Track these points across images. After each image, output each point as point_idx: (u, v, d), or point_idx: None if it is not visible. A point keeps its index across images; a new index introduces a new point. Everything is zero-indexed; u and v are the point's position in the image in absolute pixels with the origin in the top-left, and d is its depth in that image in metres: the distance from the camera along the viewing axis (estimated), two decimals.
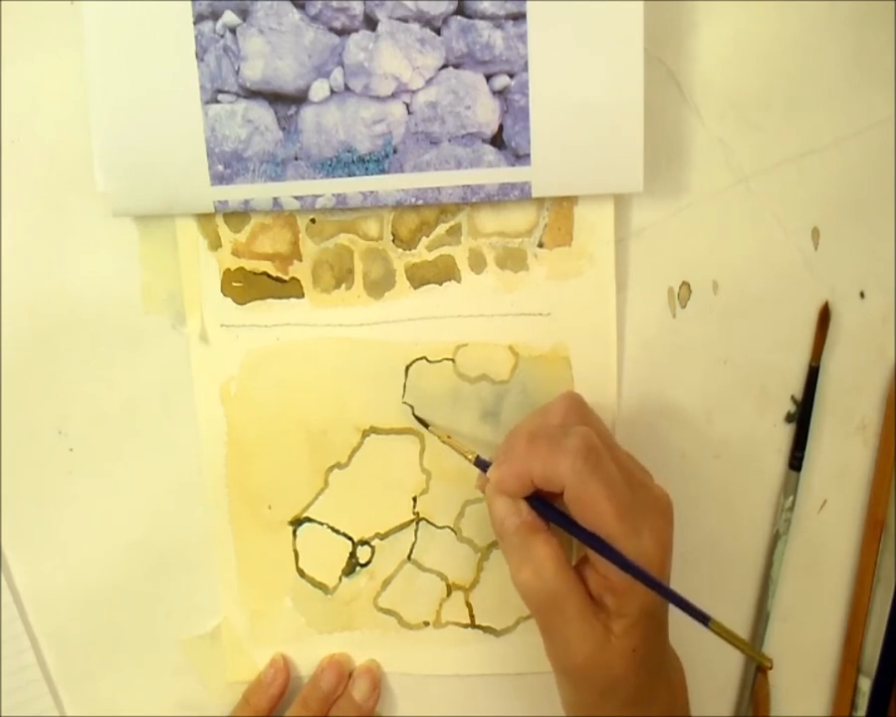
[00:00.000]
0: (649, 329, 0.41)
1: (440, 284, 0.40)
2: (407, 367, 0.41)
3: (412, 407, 0.41)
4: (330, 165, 0.37)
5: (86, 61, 0.37)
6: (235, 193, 0.38)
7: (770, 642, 0.45)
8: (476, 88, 0.37)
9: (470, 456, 0.39)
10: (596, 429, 0.36)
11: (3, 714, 0.44)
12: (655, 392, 0.42)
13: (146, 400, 0.42)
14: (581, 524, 0.34)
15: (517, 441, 0.36)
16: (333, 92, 0.37)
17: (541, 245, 0.40)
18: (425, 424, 0.41)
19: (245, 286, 0.40)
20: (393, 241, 0.40)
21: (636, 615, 0.34)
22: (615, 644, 0.34)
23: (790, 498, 0.43)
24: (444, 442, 0.40)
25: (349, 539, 0.43)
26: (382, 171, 0.38)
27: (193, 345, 0.41)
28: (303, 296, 0.40)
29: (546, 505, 0.36)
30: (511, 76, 0.36)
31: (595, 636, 0.34)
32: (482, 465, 0.38)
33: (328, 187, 0.38)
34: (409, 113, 0.37)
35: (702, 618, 0.32)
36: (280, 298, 0.41)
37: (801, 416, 0.42)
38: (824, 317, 0.41)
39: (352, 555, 0.43)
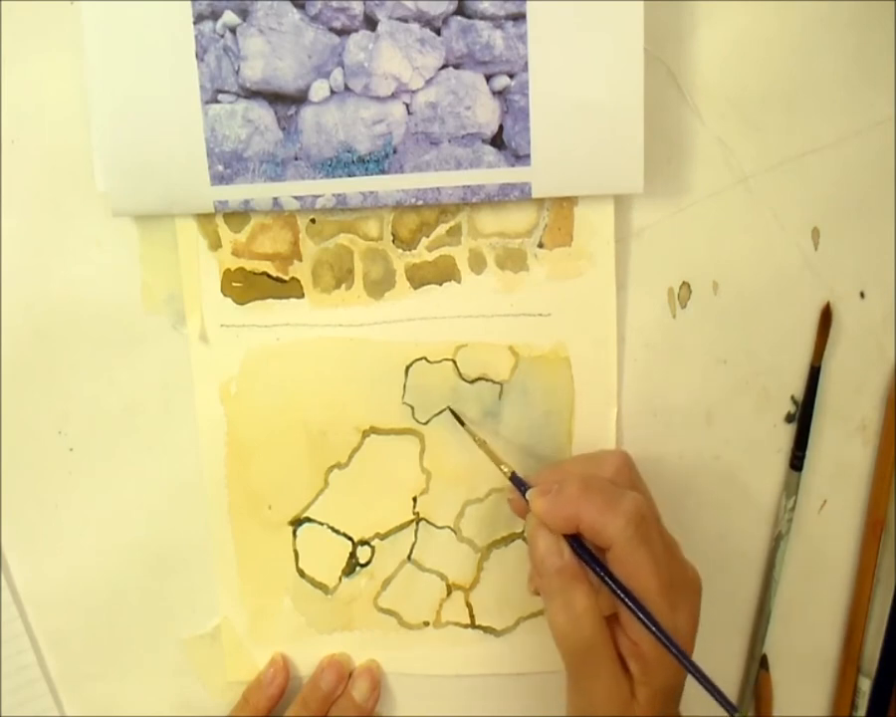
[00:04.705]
0: (649, 329, 0.41)
1: (440, 284, 0.40)
2: (407, 368, 0.41)
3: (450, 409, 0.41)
4: (330, 165, 0.37)
5: (86, 61, 0.37)
6: (235, 193, 0.38)
7: (770, 642, 0.45)
8: (476, 88, 0.37)
9: (505, 470, 0.38)
10: (645, 497, 0.36)
11: (3, 714, 0.44)
12: (655, 392, 0.42)
13: (146, 400, 0.42)
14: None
15: (568, 482, 0.35)
16: (333, 92, 0.37)
17: (541, 245, 0.40)
18: (461, 421, 0.40)
19: (245, 286, 0.40)
20: (393, 241, 0.40)
21: (659, 687, 0.34)
22: (638, 713, 0.34)
23: (793, 498, 0.43)
24: (479, 446, 0.39)
25: (349, 539, 0.43)
26: (382, 171, 0.37)
27: (193, 345, 0.41)
28: (303, 296, 0.40)
29: (591, 555, 0.35)
30: (511, 76, 0.36)
31: (622, 698, 0.34)
32: (518, 483, 0.38)
33: (328, 187, 0.38)
34: (409, 113, 0.37)
35: (730, 708, 0.32)
36: (280, 298, 0.40)
37: (803, 416, 0.42)
38: (826, 317, 0.41)
39: (352, 555, 0.43)
